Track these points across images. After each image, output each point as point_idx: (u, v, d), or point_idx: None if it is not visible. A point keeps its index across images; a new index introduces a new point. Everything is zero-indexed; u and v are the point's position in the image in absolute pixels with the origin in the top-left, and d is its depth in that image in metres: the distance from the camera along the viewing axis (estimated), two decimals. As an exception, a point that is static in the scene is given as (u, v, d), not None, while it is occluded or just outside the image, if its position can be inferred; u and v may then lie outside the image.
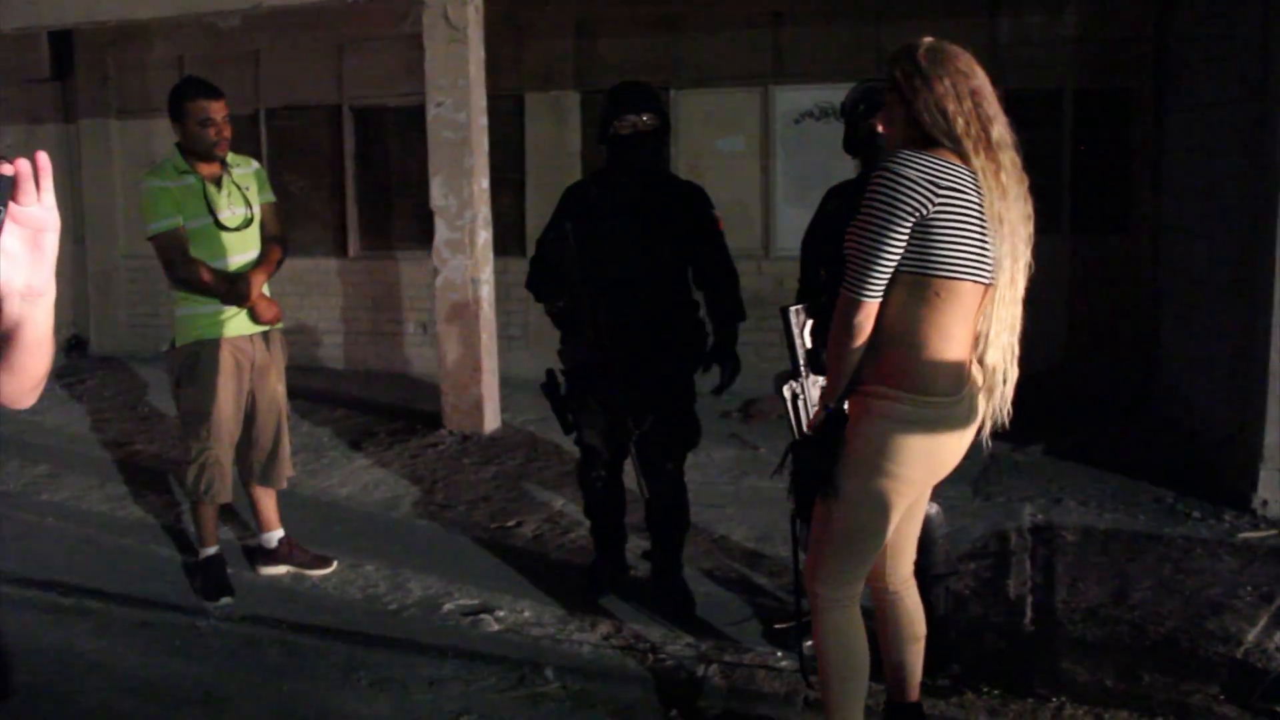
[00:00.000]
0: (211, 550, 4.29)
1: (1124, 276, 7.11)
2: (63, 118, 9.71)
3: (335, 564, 4.42)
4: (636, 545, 4.32)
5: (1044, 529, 4.71)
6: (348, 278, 8.93)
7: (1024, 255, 2.47)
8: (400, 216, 8.76)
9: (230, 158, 4.21)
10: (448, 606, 4.05)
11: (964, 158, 2.38)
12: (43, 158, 1.23)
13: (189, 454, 4.16)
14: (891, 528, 2.63)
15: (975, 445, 2.63)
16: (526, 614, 3.97)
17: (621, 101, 3.79)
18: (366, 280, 8.88)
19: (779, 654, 3.56)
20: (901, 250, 2.37)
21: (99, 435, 6.78)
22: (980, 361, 2.50)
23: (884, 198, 2.35)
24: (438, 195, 6.56)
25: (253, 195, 4.25)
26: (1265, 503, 4.75)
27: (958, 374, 2.47)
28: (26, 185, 1.21)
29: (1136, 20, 6.99)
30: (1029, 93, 7.10)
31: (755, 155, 7.81)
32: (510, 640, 3.77)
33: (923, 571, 3.34)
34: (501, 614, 3.96)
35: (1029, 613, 3.88)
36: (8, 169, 1.20)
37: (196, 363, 4.09)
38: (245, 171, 4.28)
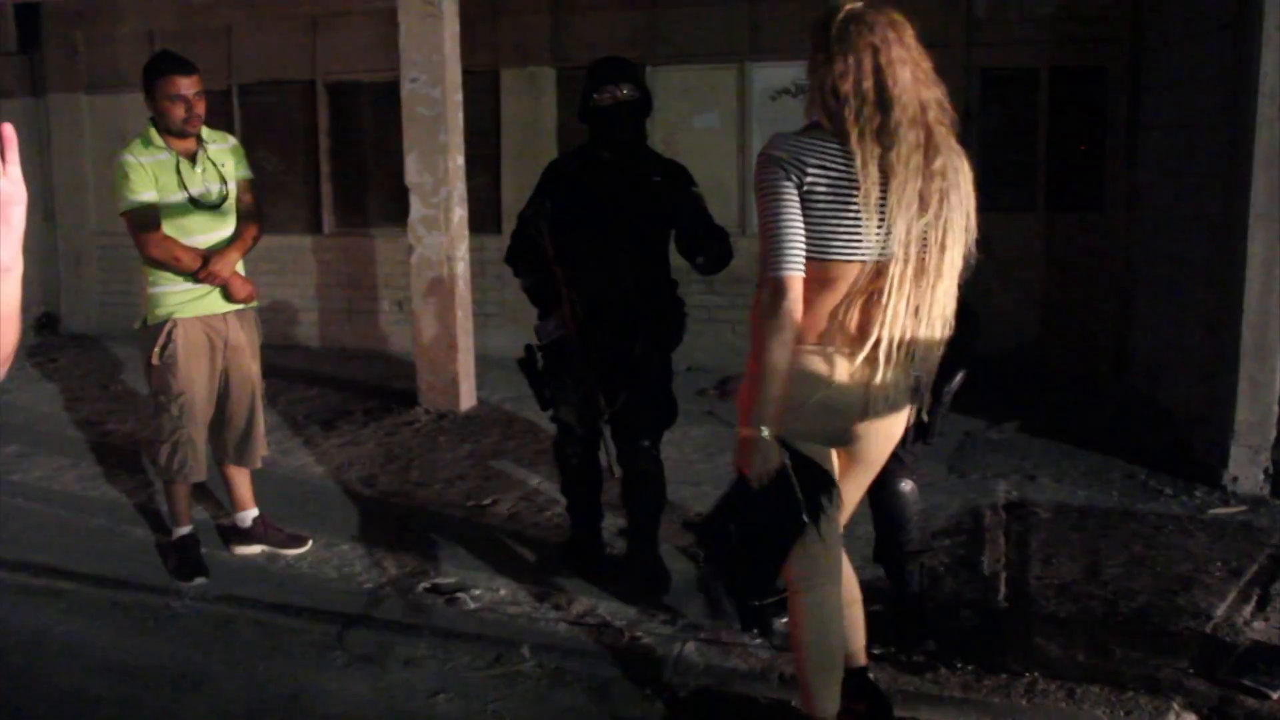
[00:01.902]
0: (185, 530, 4.27)
1: (1098, 254, 7.13)
2: (30, 92, 9.55)
3: (310, 543, 4.40)
4: (613, 523, 4.32)
5: (1018, 506, 4.74)
6: (322, 255, 8.86)
7: (938, 238, 2.40)
8: (375, 193, 8.69)
9: (206, 133, 4.16)
10: (423, 585, 4.04)
11: (844, 140, 2.36)
12: (7, 129, 1.21)
13: (161, 433, 4.12)
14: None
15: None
16: (502, 592, 3.96)
17: (601, 75, 3.79)
18: (341, 258, 8.81)
19: (754, 631, 3.57)
20: (800, 216, 2.36)
21: (71, 414, 6.72)
22: (875, 339, 2.43)
23: (763, 178, 2.39)
24: (412, 172, 6.51)
25: (229, 171, 4.19)
26: (1235, 479, 4.80)
27: (832, 333, 2.45)
28: None
29: (1112, -3, 7.00)
30: (1005, 70, 7.13)
31: (732, 132, 7.77)
32: (486, 618, 3.77)
33: (897, 548, 3.37)
34: (477, 592, 3.96)
35: (1003, 589, 3.91)
36: None
37: (169, 341, 4.05)
38: (221, 147, 4.22)
